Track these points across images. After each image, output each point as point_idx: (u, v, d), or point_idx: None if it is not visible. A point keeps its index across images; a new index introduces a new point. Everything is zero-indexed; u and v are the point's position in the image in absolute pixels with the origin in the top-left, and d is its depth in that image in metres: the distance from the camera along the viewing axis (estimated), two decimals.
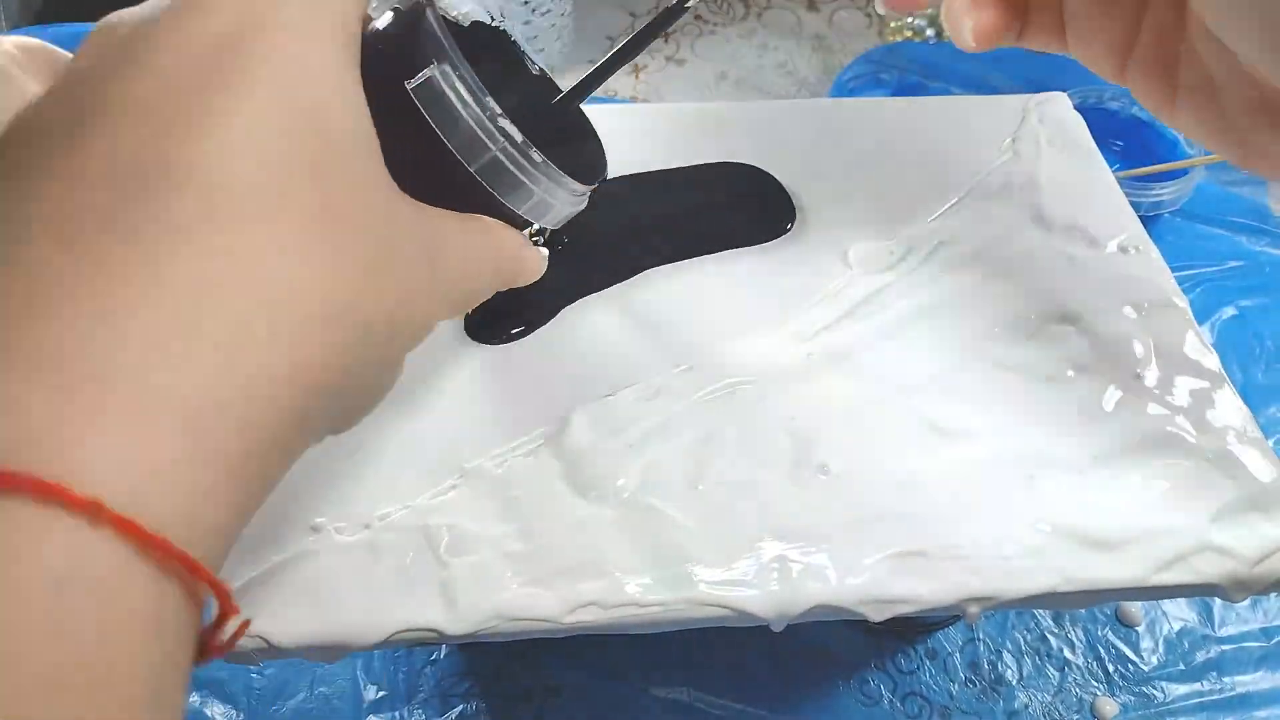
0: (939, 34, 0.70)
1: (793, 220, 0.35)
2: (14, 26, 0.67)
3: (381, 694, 0.40)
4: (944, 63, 0.65)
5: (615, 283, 0.33)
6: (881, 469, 0.28)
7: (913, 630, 0.41)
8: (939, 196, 0.36)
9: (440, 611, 0.25)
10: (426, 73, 0.21)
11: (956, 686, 0.41)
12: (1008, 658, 0.41)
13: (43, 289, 0.15)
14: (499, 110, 0.22)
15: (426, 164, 0.22)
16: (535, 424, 0.29)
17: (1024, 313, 0.32)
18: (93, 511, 0.14)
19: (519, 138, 0.23)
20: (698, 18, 0.77)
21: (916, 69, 0.64)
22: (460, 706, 0.40)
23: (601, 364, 0.31)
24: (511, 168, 0.23)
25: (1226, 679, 0.41)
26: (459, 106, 0.22)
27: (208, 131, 0.17)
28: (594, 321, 0.32)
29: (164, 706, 0.15)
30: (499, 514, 0.27)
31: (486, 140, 0.22)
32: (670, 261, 0.33)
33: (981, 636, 0.42)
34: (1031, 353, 0.31)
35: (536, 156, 0.23)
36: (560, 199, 0.25)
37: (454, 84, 0.22)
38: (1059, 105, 0.39)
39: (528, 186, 0.24)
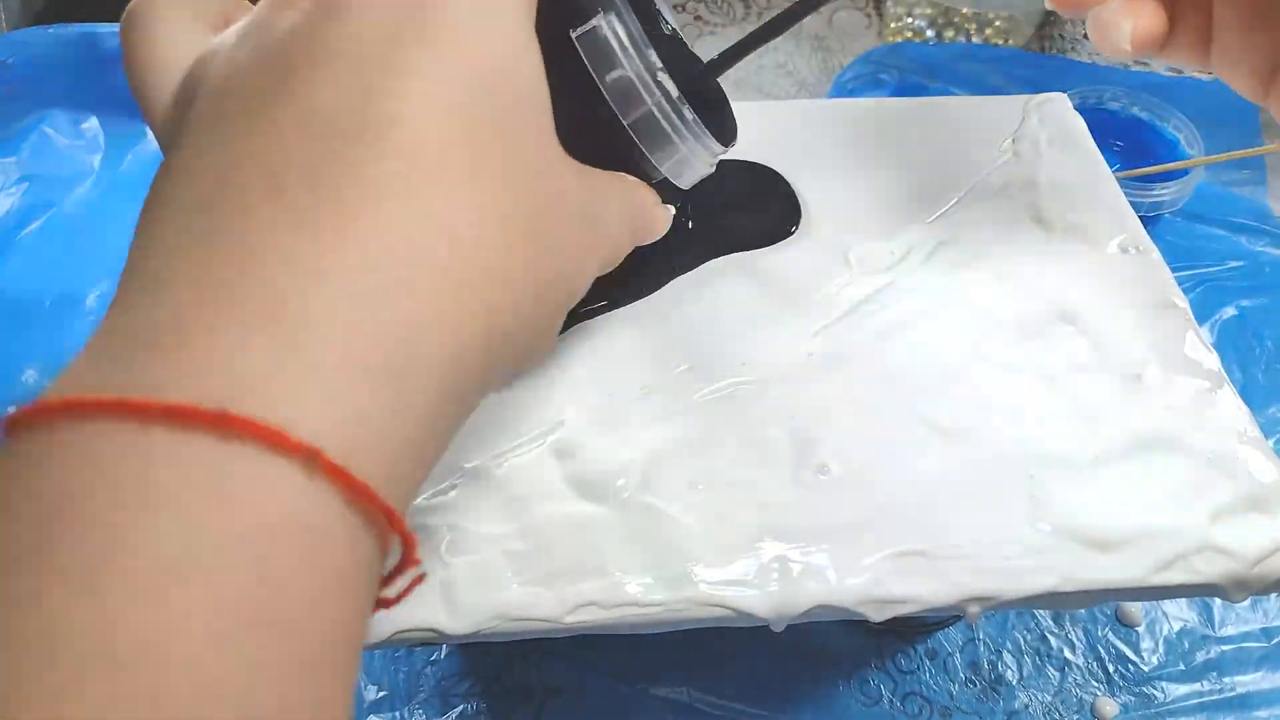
0: (939, 34, 0.70)
1: (797, 222, 0.35)
2: (14, 27, 0.67)
3: (382, 694, 0.40)
4: (944, 63, 0.65)
5: (635, 299, 0.32)
6: (881, 469, 0.28)
7: (913, 630, 0.41)
8: (939, 196, 0.36)
9: (440, 611, 0.25)
10: (593, 21, 0.21)
11: (957, 686, 0.41)
12: (1008, 658, 0.41)
13: (255, 241, 0.16)
14: (659, 64, 0.22)
15: (580, 115, 0.22)
16: (535, 424, 0.29)
17: (1024, 313, 0.32)
18: (310, 459, 0.14)
19: (675, 93, 0.23)
20: (697, 18, 0.77)
21: (916, 69, 0.64)
22: (461, 706, 0.40)
23: (601, 364, 0.31)
24: (664, 123, 0.23)
25: (1227, 679, 0.41)
26: (621, 57, 0.22)
27: (404, 87, 0.17)
28: (593, 321, 0.32)
29: (350, 653, 0.16)
30: (499, 514, 0.27)
31: (644, 93, 0.22)
32: (682, 273, 0.33)
33: (981, 636, 0.42)
34: (1031, 353, 0.31)
35: (689, 114, 0.23)
36: (699, 159, 0.25)
37: (618, 34, 0.22)
38: (1059, 105, 0.39)
39: (675, 143, 0.24)
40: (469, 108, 0.18)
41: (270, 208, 0.16)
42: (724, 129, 0.27)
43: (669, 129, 0.23)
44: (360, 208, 0.16)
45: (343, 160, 0.16)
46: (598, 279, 0.33)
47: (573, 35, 0.21)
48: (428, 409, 0.17)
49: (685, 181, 0.26)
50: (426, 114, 0.17)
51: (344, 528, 0.15)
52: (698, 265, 0.33)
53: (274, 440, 0.14)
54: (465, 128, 0.17)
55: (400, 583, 0.17)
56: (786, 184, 0.36)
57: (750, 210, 0.35)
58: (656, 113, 0.23)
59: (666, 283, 0.33)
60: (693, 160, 0.25)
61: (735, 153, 0.37)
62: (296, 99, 0.17)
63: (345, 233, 0.16)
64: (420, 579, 0.18)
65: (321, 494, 0.15)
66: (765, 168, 0.36)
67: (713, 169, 0.26)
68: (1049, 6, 0.24)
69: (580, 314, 0.32)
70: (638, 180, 0.25)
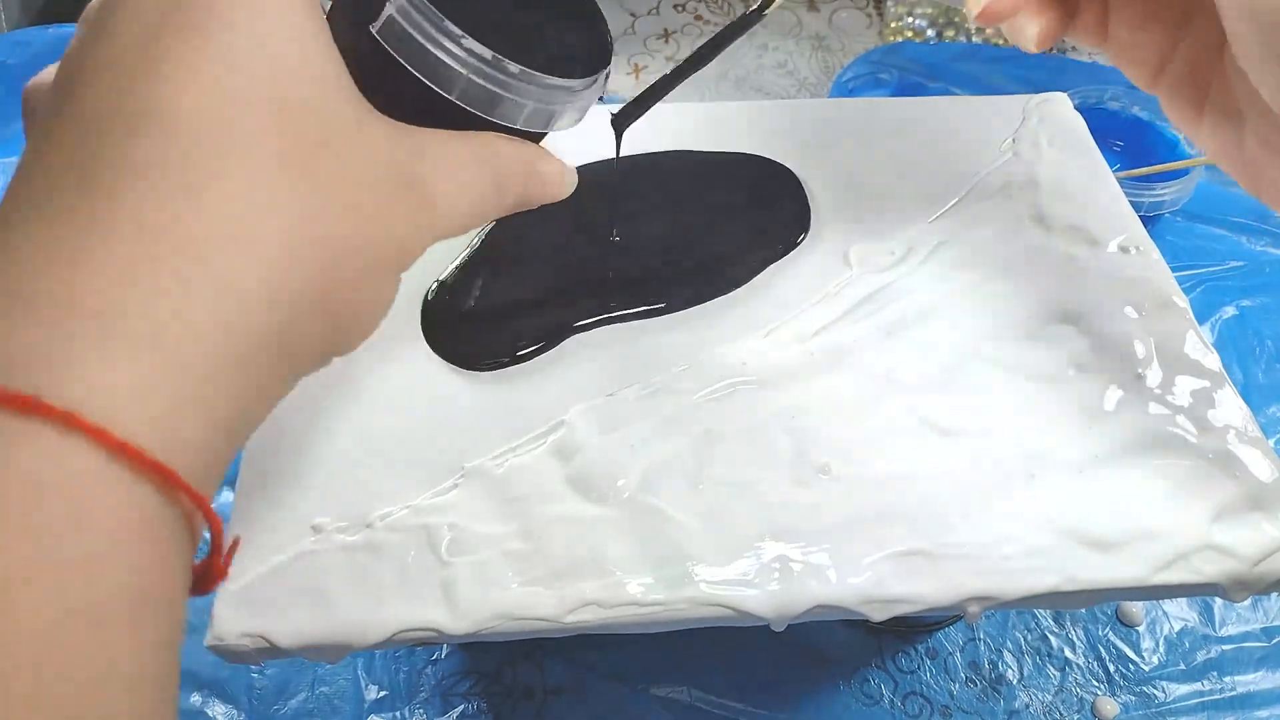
0: (939, 34, 0.70)
1: (806, 232, 0.35)
2: (14, 27, 0.67)
3: (383, 693, 0.40)
4: (944, 63, 0.65)
5: (633, 318, 0.32)
6: (881, 469, 0.28)
7: (913, 630, 0.41)
8: (939, 196, 0.36)
9: (441, 611, 0.26)
10: (386, 11, 0.22)
11: (957, 686, 0.41)
12: (1008, 657, 0.41)
13: (13, 239, 0.17)
14: (458, 31, 0.22)
15: (419, 101, 0.22)
16: (535, 424, 0.29)
17: (1024, 313, 0.32)
18: (66, 421, 0.15)
19: (488, 55, 0.22)
20: (697, 18, 0.77)
21: (916, 69, 0.64)
22: (461, 706, 0.40)
23: (602, 364, 0.31)
24: (489, 86, 0.23)
25: (1227, 679, 0.41)
26: (420, 39, 0.22)
27: (163, 76, 0.18)
28: (593, 322, 0.32)
29: (152, 605, 0.16)
30: (499, 514, 0.27)
31: (455, 65, 0.22)
32: (688, 306, 0.33)
33: (982, 636, 0.42)
34: (1032, 353, 0.31)
35: (513, 68, 0.23)
36: (559, 100, 0.24)
37: (411, 17, 0.22)
38: (1059, 105, 0.39)
39: (514, 100, 0.23)
40: (236, 87, 0.18)
41: (32, 211, 0.17)
42: (588, 50, 0.26)
43: (499, 90, 0.23)
44: (114, 193, 0.17)
45: (98, 155, 0.18)
46: (600, 285, 0.33)
47: (373, 32, 0.22)
48: (207, 371, 0.17)
49: (565, 125, 0.25)
50: (185, 98, 0.18)
51: (112, 482, 0.16)
52: (716, 284, 0.33)
53: (31, 407, 0.15)
54: (232, 107, 0.18)
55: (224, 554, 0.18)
56: (798, 185, 0.36)
57: (762, 217, 0.35)
58: (477, 79, 0.22)
59: (680, 298, 0.33)
60: (550, 106, 0.24)
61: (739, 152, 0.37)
62: (67, 112, 0.18)
63: (97, 218, 0.17)
64: (237, 542, 0.19)
65: (82, 452, 0.16)
66: (782, 167, 0.36)
67: (594, 95, 0.25)
68: (973, 22, 0.26)
69: (575, 327, 0.32)
70: (501, 137, 0.24)
